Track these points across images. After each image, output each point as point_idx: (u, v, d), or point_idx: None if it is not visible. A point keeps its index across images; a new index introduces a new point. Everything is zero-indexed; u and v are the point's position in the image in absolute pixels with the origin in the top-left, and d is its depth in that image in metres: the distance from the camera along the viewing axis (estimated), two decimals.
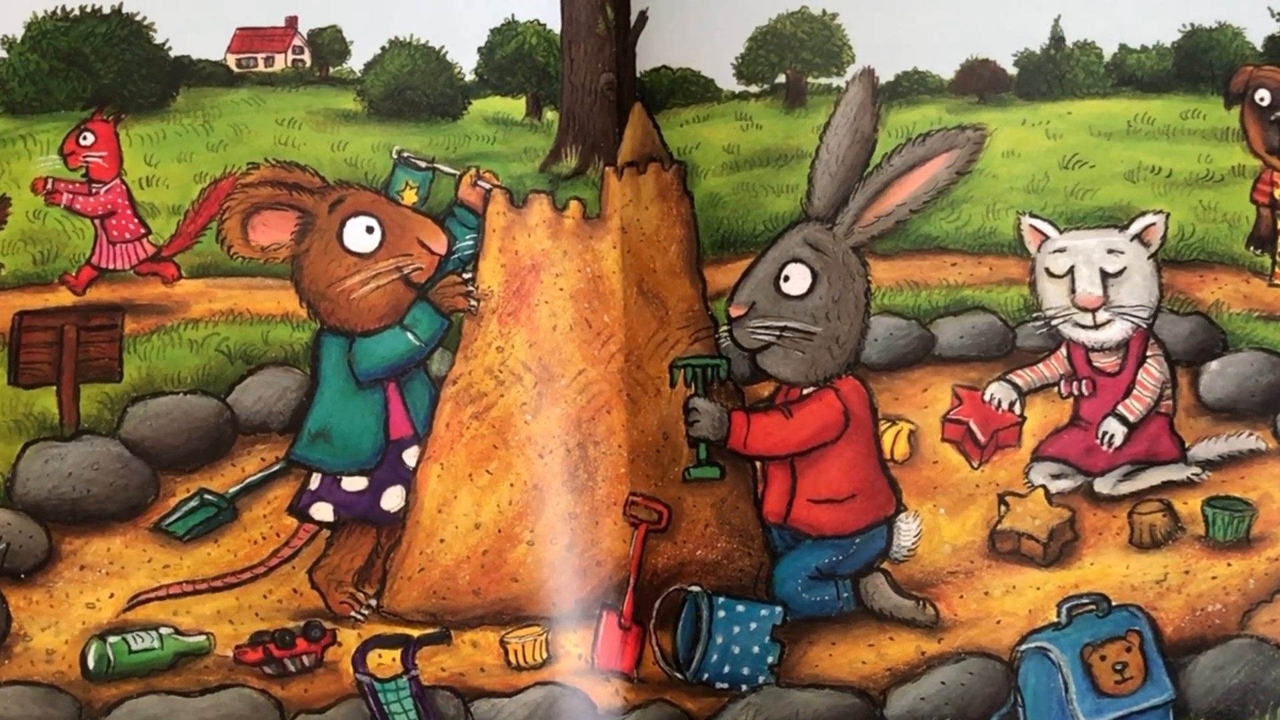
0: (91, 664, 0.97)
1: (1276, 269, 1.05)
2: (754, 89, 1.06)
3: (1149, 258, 1.03)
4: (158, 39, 1.06)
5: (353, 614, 1.00)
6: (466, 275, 1.04)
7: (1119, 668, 0.96)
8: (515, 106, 1.07)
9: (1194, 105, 1.06)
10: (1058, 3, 1.07)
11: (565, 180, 1.05)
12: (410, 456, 1.02)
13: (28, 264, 1.02)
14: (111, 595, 0.98)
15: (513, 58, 1.07)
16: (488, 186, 1.04)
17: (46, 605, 0.98)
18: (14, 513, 0.98)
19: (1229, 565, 0.99)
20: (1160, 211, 1.04)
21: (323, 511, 1.01)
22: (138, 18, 1.06)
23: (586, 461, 1.01)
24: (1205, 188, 1.05)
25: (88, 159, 1.03)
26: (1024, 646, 0.98)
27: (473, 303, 1.03)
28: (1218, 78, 1.06)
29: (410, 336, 1.03)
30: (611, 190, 1.04)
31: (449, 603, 0.99)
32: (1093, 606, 0.98)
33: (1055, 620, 0.98)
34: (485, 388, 1.02)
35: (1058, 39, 1.06)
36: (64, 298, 1.02)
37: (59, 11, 1.05)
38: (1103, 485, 1.01)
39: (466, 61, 1.07)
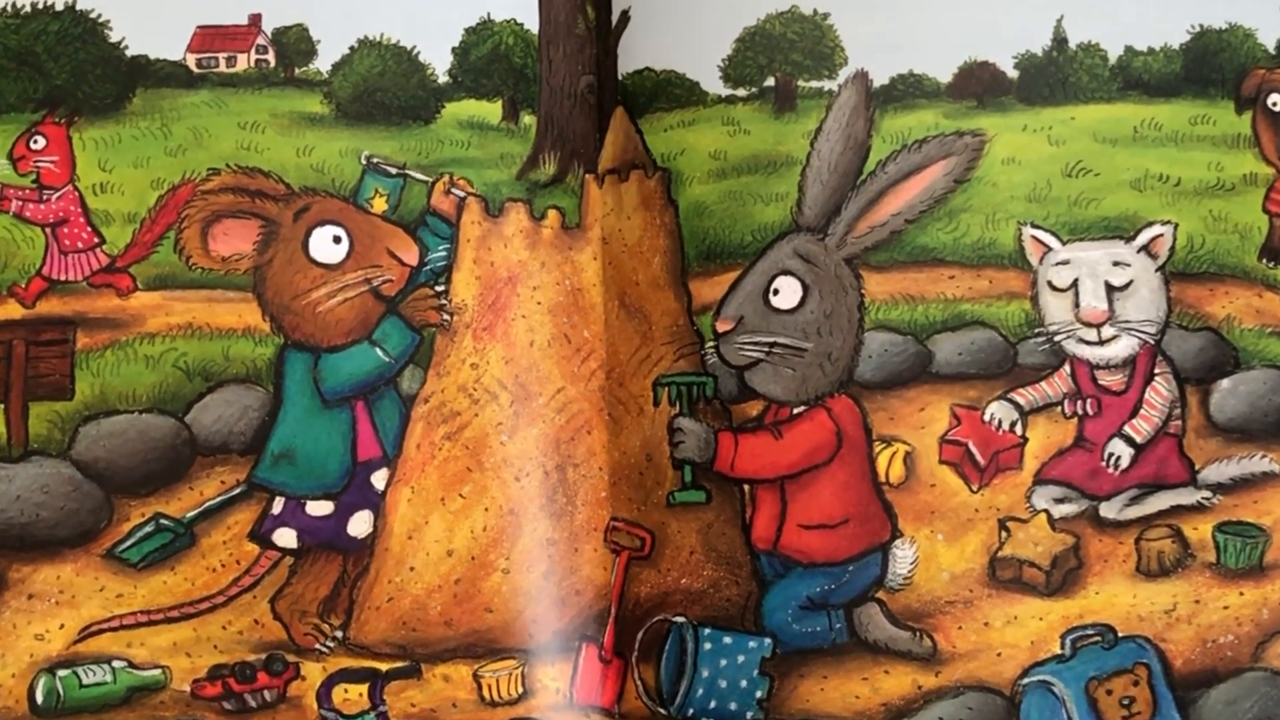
0: (40, 699, 0.98)
1: None
2: (741, 92, 1.07)
3: (1156, 270, 1.03)
4: (113, 37, 1.07)
5: (317, 646, 1.01)
6: (439, 288, 1.05)
7: (1126, 703, 0.97)
8: (491, 110, 1.08)
9: (1203, 110, 1.06)
10: (1060, 2, 1.08)
11: (543, 188, 1.06)
12: (379, 479, 1.03)
13: None
14: (61, 626, 0.99)
15: (488, 59, 1.08)
16: (462, 194, 1.05)
17: None
18: None
19: (1241, 594, 0.99)
20: (1168, 222, 1.04)
21: (286, 538, 1.02)
22: (92, 15, 1.06)
23: (565, 485, 1.02)
24: (1215, 197, 1.05)
25: (38, 164, 1.04)
26: (1026, 680, 0.98)
27: (445, 317, 1.04)
28: (1228, 81, 1.07)
29: (379, 352, 1.03)
30: (592, 199, 1.05)
31: (419, 634, 1.00)
32: (1098, 638, 0.98)
33: (1059, 652, 0.99)
34: (459, 406, 1.03)
35: (1060, 40, 1.06)
36: (12, 310, 1.03)
37: (9, 8, 1.07)
38: (1108, 510, 1.01)
39: (440, 62, 1.08)
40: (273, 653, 0.99)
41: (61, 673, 0.98)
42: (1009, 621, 0.99)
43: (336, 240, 1.03)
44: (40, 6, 1.06)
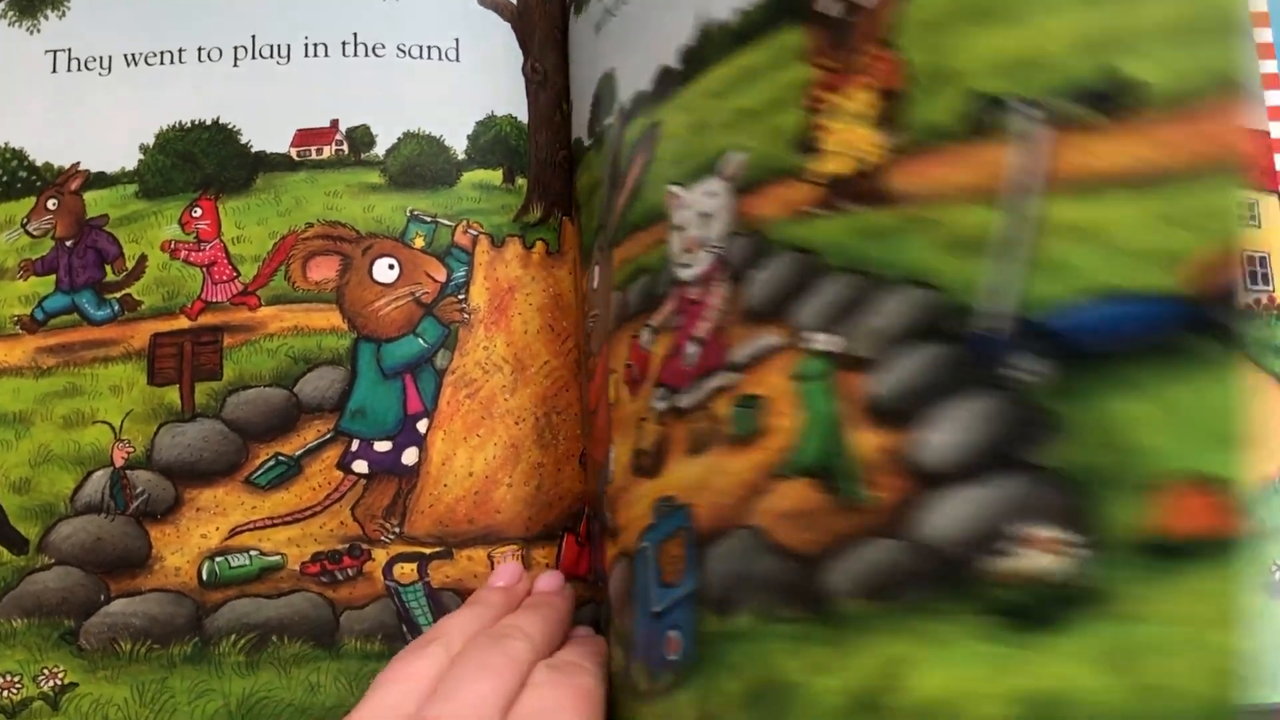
0: (204, 577, 1.05)
1: None
2: None
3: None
4: (243, 140, 1.13)
5: (382, 539, 1.06)
6: (461, 297, 1.10)
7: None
8: (495, 176, 1.14)
9: None
10: None
11: (533, 227, 1.13)
12: (422, 426, 1.08)
13: (159, 300, 1.10)
14: (217, 528, 1.06)
15: (493, 141, 1.14)
16: (475, 233, 1.11)
17: (175, 536, 1.05)
18: (153, 472, 1.06)
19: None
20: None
21: (361, 466, 1.07)
22: (230, 125, 1.13)
23: (551, 426, 1.08)
24: None
25: (197, 226, 1.11)
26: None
27: (465, 316, 1.09)
28: None
29: (420, 341, 1.09)
30: (567, 233, 1.13)
31: (451, 530, 1.06)
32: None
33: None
34: (475, 376, 1.08)
35: None
36: (183, 323, 1.09)
37: (177, 124, 1.13)
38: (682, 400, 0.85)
39: (459, 145, 1.13)
40: (353, 543, 1.05)
41: (218, 559, 1.05)
42: None
43: (391, 267, 1.09)
44: (196, 122, 1.13)
